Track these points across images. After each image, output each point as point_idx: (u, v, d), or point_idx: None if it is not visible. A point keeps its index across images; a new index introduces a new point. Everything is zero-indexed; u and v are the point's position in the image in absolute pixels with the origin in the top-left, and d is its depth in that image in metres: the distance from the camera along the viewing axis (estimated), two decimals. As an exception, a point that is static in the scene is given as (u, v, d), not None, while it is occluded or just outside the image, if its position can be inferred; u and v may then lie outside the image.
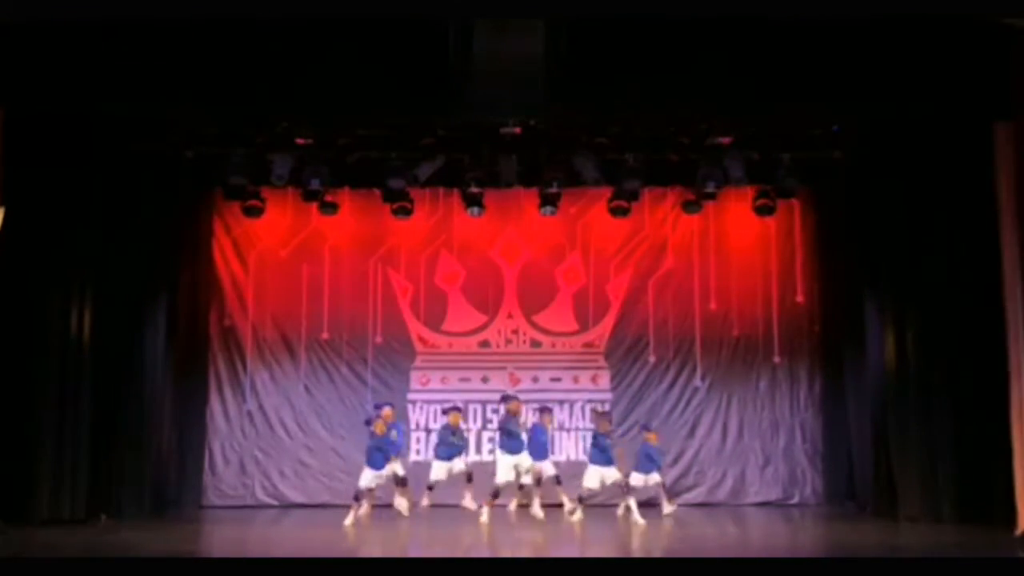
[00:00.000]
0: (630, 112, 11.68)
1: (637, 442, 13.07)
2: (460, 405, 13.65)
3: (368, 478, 11.99)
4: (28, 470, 11.27)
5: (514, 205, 14.60)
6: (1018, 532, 10.30)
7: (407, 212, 13.75)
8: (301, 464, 14.42)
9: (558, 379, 14.79)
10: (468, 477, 12.27)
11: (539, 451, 12.35)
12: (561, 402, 14.53)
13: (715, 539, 11.24)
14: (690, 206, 14.17)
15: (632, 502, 12.24)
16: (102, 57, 10.39)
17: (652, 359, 14.76)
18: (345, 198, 14.23)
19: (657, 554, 10.20)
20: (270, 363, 14.61)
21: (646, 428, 13.10)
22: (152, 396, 13.09)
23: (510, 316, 14.89)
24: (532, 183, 13.53)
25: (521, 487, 12.40)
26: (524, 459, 12.22)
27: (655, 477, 12.58)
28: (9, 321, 11.12)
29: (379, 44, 10.50)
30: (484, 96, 10.43)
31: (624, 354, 14.80)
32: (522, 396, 13.46)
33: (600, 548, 10.85)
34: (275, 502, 14.26)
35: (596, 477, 12.43)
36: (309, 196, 13.70)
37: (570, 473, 13.01)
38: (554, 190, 13.35)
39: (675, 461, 14.20)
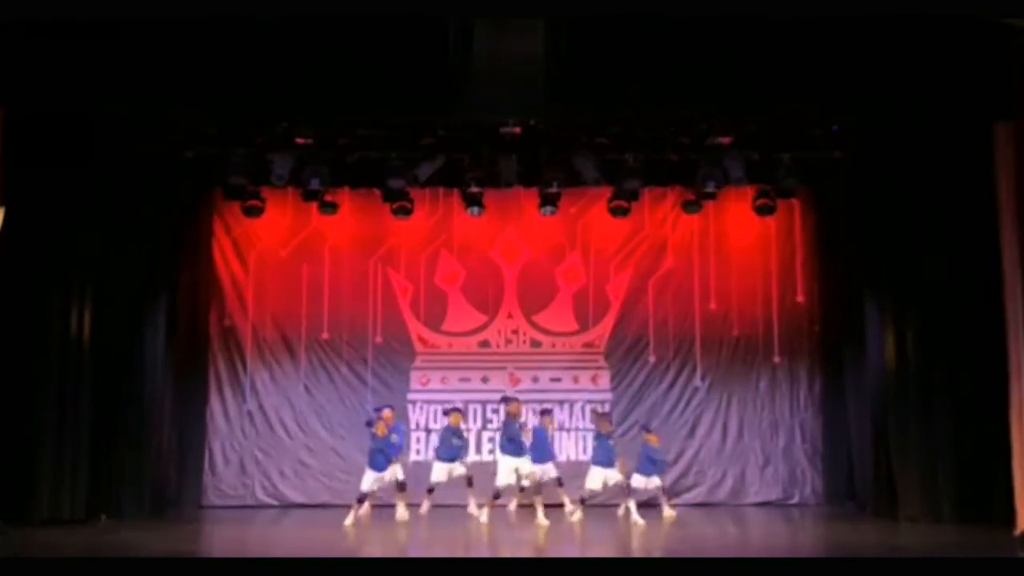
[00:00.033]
0: (630, 112, 11.68)
1: (637, 442, 13.06)
2: (460, 406, 13.66)
3: (370, 481, 11.99)
4: (28, 470, 11.27)
5: (514, 205, 14.60)
6: (1018, 532, 10.30)
7: (407, 212, 13.76)
8: (301, 464, 14.42)
9: (558, 379, 14.79)
10: (468, 481, 12.26)
11: (542, 454, 12.35)
12: (561, 402, 14.53)
13: (715, 539, 11.24)
14: (690, 206, 14.18)
15: (632, 503, 12.24)
16: (102, 57, 10.39)
17: (652, 359, 14.76)
18: (345, 198, 14.24)
19: (657, 554, 10.19)
20: (270, 363, 14.61)
21: (647, 430, 13.06)
22: (152, 396, 13.09)
23: (510, 316, 14.89)
24: (532, 183, 13.53)
25: (522, 489, 12.40)
26: (525, 463, 12.21)
27: (656, 480, 12.57)
28: (9, 321, 11.12)
29: (379, 44, 10.50)
30: (484, 96, 10.43)
31: (624, 354, 14.80)
32: (522, 396, 13.50)
33: (600, 548, 10.85)
34: (275, 502, 14.26)
35: (599, 478, 12.43)
36: (309, 196, 13.70)
37: (570, 473, 13.01)
38: (554, 190, 13.35)
39: (675, 461, 14.19)
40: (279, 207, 14.38)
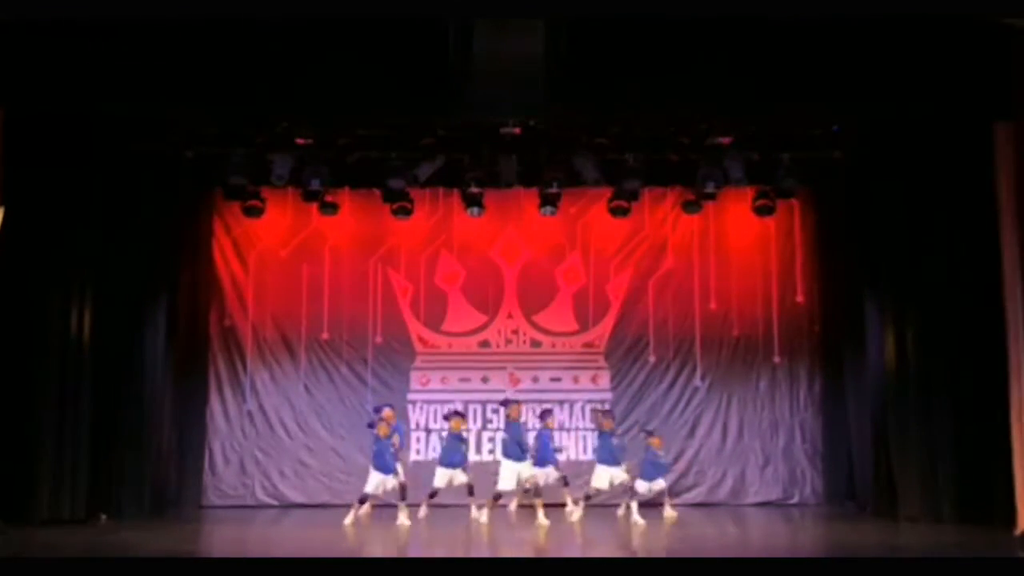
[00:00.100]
0: (630, 112, 11.68)
1: (637, 443, 13.06)
2: (461, 409, 13.66)
3: (375, 483, 11.96)
4: (28, 470, 11.27)
5: (514, 205, 14.60)
6: (1018, 532, 10.30)
7: (407, 212, 13.76)
8: (301, 464, 14.41)
9: (558, 379, 14.79)
10: (470, 490, 12.24)
11: (544, 457, 12.34)
12: (561, 402, 14.52)
13: (715, 539, 11.24)
14: (690, 206, 14.18)
15: (633, 503, 12.25)
16: (102, 57, 10.39)
17: (652, 359, 14.76)
18: (345, 198, 14.24)
19: (657, 554, 10.19)
20: (270, 363, 14.61)
21: (649, 433, 13.04)
22: (152, 396, 13.09)
23: (510, 316, 14.89)
24: (532, 183, 13.53)
25: (526, 491, 12.39)
26: (526, 468, 12.20)
27: (660, 483, 12.57)
28: (9, 321, 11.12)
29: (379, 44, 10.50)
30: (484, 96, 10.43)
31: (624, 354, 14.80)
32: (522, 396, 13.52)
33: (600, 548, 10.85)
34: (275, 502, 14.26)
35: (605, 477, 12.44)
36: (309, 196, 13.71)
37: (571, 473, 13.00)
38: (554, 190, 13.35)
39: (675, 461, 14.18)
40: (279, 207, 14.38)
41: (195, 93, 10.70)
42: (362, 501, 12.06)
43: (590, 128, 12.63)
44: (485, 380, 14.68)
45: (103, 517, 12.04)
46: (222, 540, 11.75)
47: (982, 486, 11.26)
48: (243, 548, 10.79)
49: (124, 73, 10.45)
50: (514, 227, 14.87)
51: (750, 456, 14.56)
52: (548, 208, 13.65)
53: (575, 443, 14.54)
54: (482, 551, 10.41)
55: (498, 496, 12.27)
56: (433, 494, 12.33)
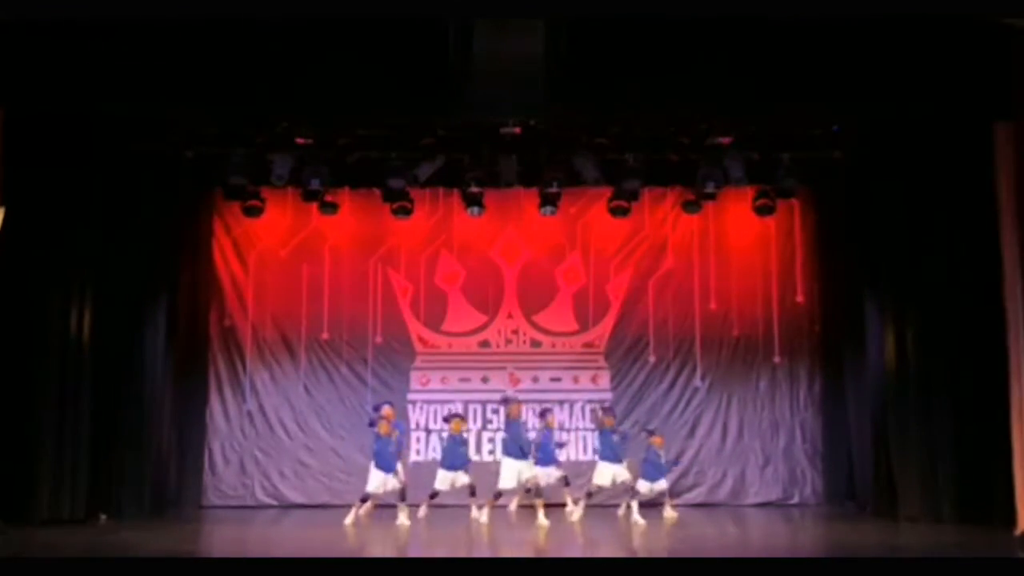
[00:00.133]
0: (630, 112, 11.68)
1: (639, 442, 13.07)
2: (461, 411, 13.66)
3: (377, 482, 11.95)
4: (28, 470, 11.26)
5: (514, 205, 14.60)
6: (1018, 532, 10.30)
7: (407, 212, 13.76)
8: (301, 464, 14.41)
9: (558, 379, 14.79)
10: (471, 491, 12.24)
11: (545, 457, 12.34)
12: (561, 402, 14.52)
13: (715, 539, 11.24)
14: (690, 206, 14.18)
15: (634, 503, 12.25)
16: (102, 57, 10.38)
17: (652, 359, 14.76)
18: (345, 198, 14.24)
19: (657, 554, 10.19)
20: (270, 363, 14.61)
21: (650, 432, 13.05)
22: (152, 396, 13.09)
23: (510, 316, 14.89)
24: (532, 183, 13.54)
25: (528, 490, 12.40)
26: (527, 467, 12.20)
27: (661, 484, 12.58)
28: (9, 321, 11.12)
29: (379, 44, 10.49)
30: (484, 96, 10.43)
31: (624, 354, 14.79)
32: (522, 396, 13.45)
33: (600, 548, 10.85)
34: (275, 502, 14.26)
35: (608, 474, 12.45)
36: (309, 196, 13.70)
37: (571, 473, 12.99)
38: (554, 190, 13.35)
39: (675, 461, 14.18)
40: (279, 207, 14.38)
41: (195, 93, 10.70)
42: (364, 501, 12.06)
43: (590, 128, 12.63)
44: (485, 380, 14.67)
45: (103, 517, 12.04)
46: (222, 540, 11.75)
47: (982, 486, 11.26)
48: (243, 548, 10.79)
49: (124, 73, 10.44)
50: (514, 227, 14.87)
51: (750, 456, 14.56)
52: (548, 208, 13.65)
53: (575, 443, 14.52)
54: (482, 551, 10.41)
55: (498, 495, 12.27)
56: (434, 495, 12.33)
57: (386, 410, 12.34)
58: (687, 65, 10.61)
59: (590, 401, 14.55)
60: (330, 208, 13.88)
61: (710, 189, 13.11)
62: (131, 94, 10.62)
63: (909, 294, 12.19)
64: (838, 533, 11.83)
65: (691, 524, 12.26)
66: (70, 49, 10.34)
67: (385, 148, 12.80)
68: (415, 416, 14.53)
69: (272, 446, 14.45)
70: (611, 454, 12.51)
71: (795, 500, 14.42)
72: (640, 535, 11.28)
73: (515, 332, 14.88)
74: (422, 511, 12.21)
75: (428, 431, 14.48)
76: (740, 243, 14.86)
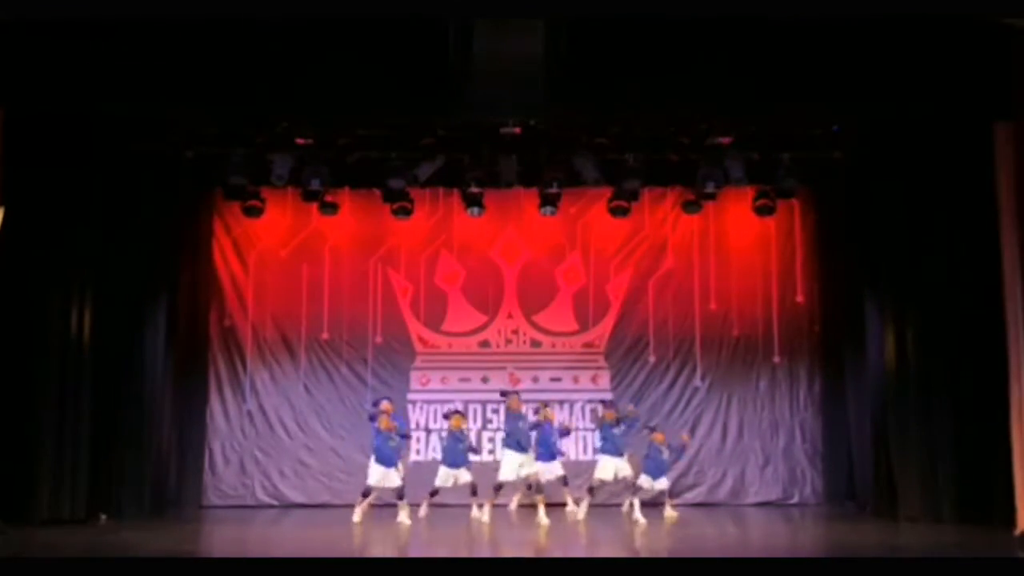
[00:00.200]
0: (630, 112, 11.68)
1: (641, 439, 13.08)
2: (461, 408, 13.65)
3: (377, 475, 12.01)
4: (28, 470, 11.25)
5: (514, 205, 14.60)
6: (1018, 532, 10.30)
7: (407, 212, 13.77)
8: (301, 464, 14.41)
9: (558, 379, 14.79)
10: (473, 490, 12.25)
11: (547, 451, 12.35)
12: (561, 402, 14.51)
13: (715, 539, 11.24)
14: (690, 206, 14.19)
15: (636, 501, 12.26)
16: (102, 57, 10.38)
17: (652, 359, 14.76)
18: (345, 198, 14.24)
19: (657, 554, 10.19)
20: (270, 363, 14.61)
21: (652, 429, 13.07)
22: (152, 396, 13.09)
23: (510, 316, 14.89)
24: (532, 183, 13.54)
25: (529, 487, 12.41)
26: (528, 460, 12.22)
27: (662, 482, 12.60)
28: (9, 321, 11.11)
29: (379, 44, 10.49)
30: (484, 96, 10.43)
31: (624, 354, 14.80)
32: (522, 396, 13.43)
33: (601, 548, 10.85)
34: (275, 502, 14.26)
35: (610, 468, 12.46)
36: (309, 196, 13.71)
37: (571, 473, 12.99)
38: (554, 190, 13.35)
39: (675, 461, 14.16)
40: (279, 207, 14.38)
41: (195, 93, 10.69)
42: (365, 495, 12.10)
43: (590, 128, 12.64)
44: (485, 380, 14.67)
45: (103, 517, 12.04)
46: (222, 540, 11.75)
47: (982, 486, 11.26)
48: (243, 548, 10.79)
49: (124, 73, 10.44)
50: (514, 227, 14.87)
51: (750, 456, 14.57)
52: (548, 208, 13.65)
53: (575, 443, 14.51)
54: (483, 551, 10.41)
55: (499, 488, 12.28)
56: (434, 493, 12.34)
57: (385, 404, 12.39)
58: (687, 65, 10.61)
59: (590, 401, 14.55)
60: (330, 208, 13.89)
61: (710, 189, 13.11)
62: (131, 94, 10.61)
63: (909, 294, 12.19)
64: (838, 533, 11.83)
65: (691, 524, 12.26)
66: (70, 49, 10.33)
67: (385, 148, 12.80)
68: (415, 416, 14.53)
69: (272, 446, 14.45)
70: (612, 448, 12.54)
71: (795, 500, 14.43)
72: (640, 535, 11.28)
73: (515, 332, 14.88)
74: (423, 510, 12.23)
75: (428, 431, 14.48)
76: (740, 243, 14.86)
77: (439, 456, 12.85)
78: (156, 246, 13.07)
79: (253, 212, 13.85)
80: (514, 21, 9.86)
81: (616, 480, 12.57)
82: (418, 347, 14.80)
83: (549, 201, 13.57)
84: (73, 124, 11.46)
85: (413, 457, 14.10)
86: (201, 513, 13.71)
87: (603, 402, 13.38)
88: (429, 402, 14.60)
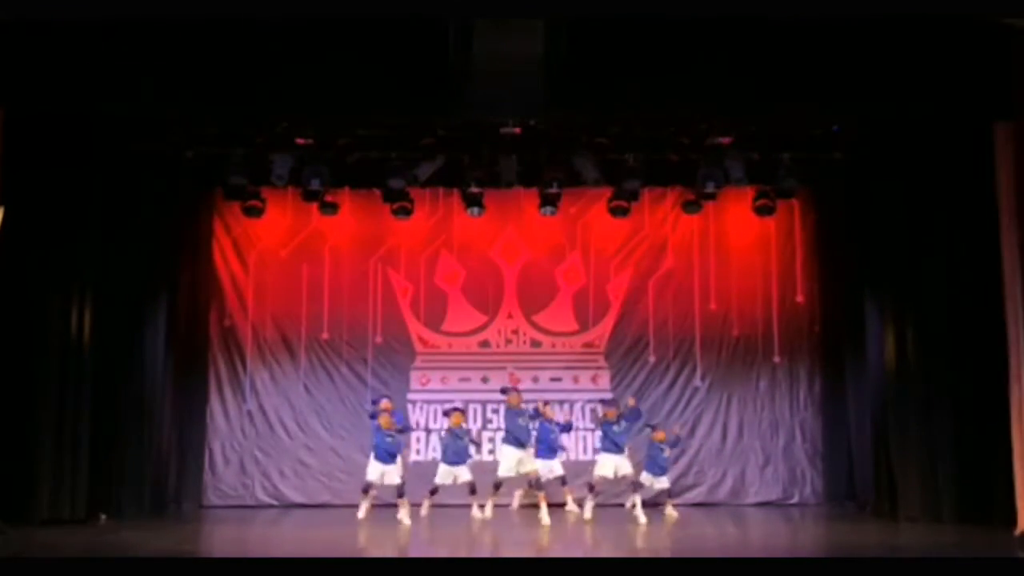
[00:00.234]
0: (630, 112, 11.67)
1: (642, 437, 13.09)
2: (461, 406, 13.65)
3: (376, 472, 12.06)
4: (28, 470, 11.24)
5: (514, 205, 14.60)
6: (1018, 532, 10.29)
7: (407, 212, 13.76)
8: (301, 464, 14.41)
9: (558, 379, 14.78)
10: (472, 489, 12.25)
11: (547, 449, 12.36)
12: (561, 402, 14.49)
13: (715, 539, 11.24)
14: (690, 206, 14.18)
15: (637, 499, 12.27)
16: (102, 57, 10.37)
17: (652, 359, 14.76)
18: (345, 198, 14.24)
19: (657, 554, 10.19)
20: (270, 363, 14.61)
21: (653, 428, 13.08)
22: (152, 396, 13.09)
23: (510, 316, 14.89)
24: (532, 183, 13.53)
25: (531, 484, 12.41)
26: (527, 457, 12.23)
27: (663, 481, 12.61)
28: (9, 321, 11.11)
29: (379, 44, 10.49)
30: (484, 96, 10.43)
31: (624, 354, 14.79)
32: (522, 396, 13.46)
33: (600, 547, 10.84)
34: (275, 502, 14.26)
35: (609, 465, 12.45)
36: (309, 196, 13.71)
37: (571, 472, 13.00)
38: (554, 190, 13.35)
39: (675, 461, 14.17)
40: (279, 207, 14.38)
41: (195, 93, 10.68)
42: (365, 491, 12.12)
43: (590, 128, 12.64)
44: (485, 380, 14.66)
45: (103, 517, 12.03)
46: (222, 540, 11.75)
47: (982, 486, 11.27)
48: (243, 548, 10.79)
49: (124, 73, 10.43)
50: (514, 227, 14.87)
51: (750, 456, 14.56)
52: (548, 208, 13.65)
53: (575, 443, 14.51)
54: (483, 551, 10.41)
55: (498, 484, 12.28)
56: (434, 491, 12.35)
57: (384, 403, 12.43)
58: (687, 65, 10.60)
59: (590, 401, 14.55)
60: (330, 208, 13.89)
61: (710, 189, 13.11)
62: (131, 94, 10.60)
63: (909, 294, 12.19)
64: (838, 533, 11.83)
65: (691, 524, 12.26)
66: (70, 49, 10.32)
67: (385, 148, 12.80)
68: (415, 416, 14.52)
69: (272, 446, 14.45)
70: (612, 445, 12.54)
71: (795, 500, 14.42)
72: (640, 535, 11.28)
73: (515, 332, 14.88)
74: (424, 509, 12.23)
75: (428, 431, 14.48)
76: (740, 243, 14.86)
77: (439, 456, 12.85)
78: (156, 246, 13.08)
79: (253, 212, 13.85)
80: (514, 21, 9.85)
81: (616, 478, 12.57)
82: (418, 347, 14.79)
83: (549, 201, 13.57)
84: (73, 124, 11.45)
85: (413, 457, 14.10)
86: (201, 513, 13.71)
87: (603, 401, 13.39)
88: (429, 402, 14.60)
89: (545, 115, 11.59)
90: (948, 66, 10.53)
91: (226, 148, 12.72)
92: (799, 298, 14.80)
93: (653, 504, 12.65)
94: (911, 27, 10.21)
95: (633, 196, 13.78)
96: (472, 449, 12.61)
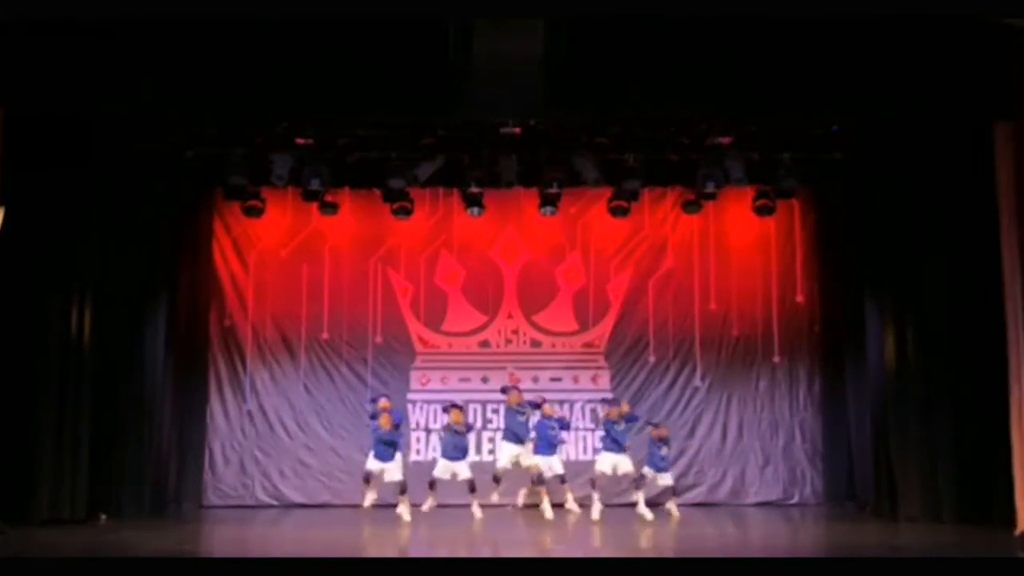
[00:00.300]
0: (630, 112, 11.67)
1: (643, 435, 13.10)
2: (460, 402, 13.64)
3: (375, 465, 12.15)
4: (28, 470, 11.24)
5: (514, 205, 14.60)
6: (1018, 532, 10.29)
7: (407, 212, 13.76)
8: (301, 464, 14.41)
9: (558, 379, 14.78)
10: (471, 487, 12.26)
11: (547, 446, 12.38)
12: (561, 402, 14.49)
13: (715, 539, 11.25)
14: (690, 206, 14.18)
15: (640, 495, 12.28)
16: (102, 57, 10.37)
17: (652, 359, 14.76)
18: (345, 198, 14.24)
19: (657, 554, 10.19)
20: (270, 363, 14.61)
21: (655, 426, 13.10)
22: (152, 396, 13.10)
23: (510, 316, 14.89)
24: (532, 183, 13.53)
25: (534, 481, 12.42)
26: (526, 453, 12.26)
27: (666, 478, 12.64)
28: (9, 321, 11.11)
29: (379, 44, 10.49)
30: (484, 96, 10.43)
31: (624, 354, 14.80)
32: (522, 395, 13.47)
33: (601, 548, 10.84)
34: (275, 502, 14.26)
35: (608, 463, 12.49)
36: (309, 196, 13.71)
37: (571, 472, 13.01)
38: (554, 190, 13.35)
39: (675, 461, 14.17)
40: (279, 207, 14.38)
41: (195, 93, 10.68)
42: (367, 479, 12.22)
43: (590, 128, 12.64)
44: (485, 380, 14.67)
45: (103, 517, 12.03)
46: (222, 540, 11.75)
47: (982, 486, 11.26)
48: (243, 548, 10.80)
49: (124, 73, 10.43)
50: (514, 227, 14.87)
51: (750, 456, 14.56)
52: (548, 208, 13.65)
53: (575, 443, 14.52)
54: (484, 551, 10.41)
55: (497, 479, 12.31)
56: (432, 484, 12.34)
57: (383, 402, 12.50)
58: (687, 65, 10.60)
59: (590, 401, 14.55)
60: (330, 208, 13.88)
61: (710, 189, 13.11)
62: (131, 94, 10.60)
63: (909, 294, 12.19)
64: (838, 533, 11.84)
65: (691, 524, 12.26)
66: (70, 49, 10.32)
67: (385, 148, 12.80)
68: (415, 416, 14.53)
69: (272, 446, 14.45)
70: (613, 444, 12.56)
71: (795, 500, 14.42)
72: (640, 535, 11.27)
73: (515, 332, 14.88)
74: (426, 506, 12.24)
75: (428, 431, 14.48)
76: (740, 243, 14.86)
77: (439, 455, 12.84)
78: (156, 246, 13.08)
79: (253, 212, 13.85)
80: (514, 21, 9.85)
81: (616, 475, 12.57)
82: (418, 347, 14.79)
83: (549, 201, 13.57)
84: (73, 124, 11.45)
85: (413, 457, 14.11)
86: (201, 513, 13.72)
87: (605, 400, 13.40)
88: (429, 402, 14.60)
89: (545, 115, 11.59)
90: (948, 66, 10.53)
91: (226, 148, 12.72)
92: (799, 298, 14.80)
93: (654, 504, 12.64)
94: (911, 27, 10.20)
95: (633, 196, 13.78)
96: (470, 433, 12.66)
